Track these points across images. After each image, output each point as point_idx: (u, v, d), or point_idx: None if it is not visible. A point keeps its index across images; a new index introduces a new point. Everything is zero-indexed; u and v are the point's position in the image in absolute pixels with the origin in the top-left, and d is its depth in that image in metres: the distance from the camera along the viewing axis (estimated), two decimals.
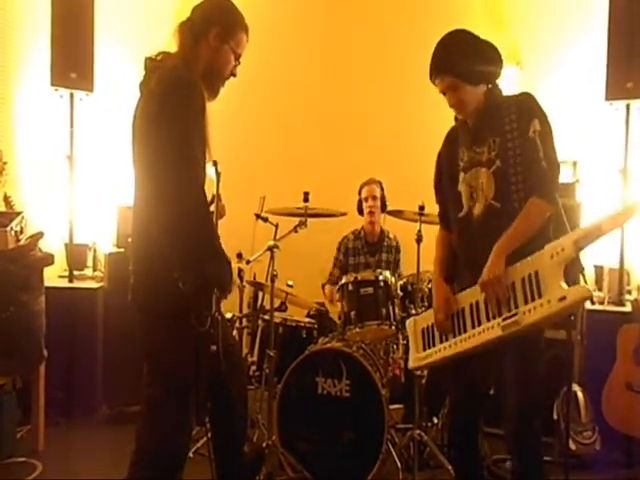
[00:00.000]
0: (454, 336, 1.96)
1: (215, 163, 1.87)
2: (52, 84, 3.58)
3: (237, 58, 1.90)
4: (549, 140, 1.87)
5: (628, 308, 3.14)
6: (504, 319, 1.81)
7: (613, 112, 3.34)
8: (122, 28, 4.00)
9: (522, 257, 1.83)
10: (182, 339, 1.73)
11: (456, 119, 2.08)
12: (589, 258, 3.34)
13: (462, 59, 1.94)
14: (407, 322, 2.21)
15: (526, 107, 1.91)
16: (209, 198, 1.83)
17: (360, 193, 3.56)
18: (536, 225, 1.88)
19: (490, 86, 1.99)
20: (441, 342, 2.00)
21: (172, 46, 1.85)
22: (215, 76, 1.87)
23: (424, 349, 2.06)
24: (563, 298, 1.70)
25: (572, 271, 1.94)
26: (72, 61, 3.57)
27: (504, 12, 4.11)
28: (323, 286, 3.63)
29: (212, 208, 1.90)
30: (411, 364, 2.14)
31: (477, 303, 1.91)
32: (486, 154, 1.95)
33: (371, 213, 3.50)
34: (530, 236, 1.87)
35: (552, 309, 1.72)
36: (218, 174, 1.94)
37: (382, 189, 3.52)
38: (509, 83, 4.41)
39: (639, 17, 3.22)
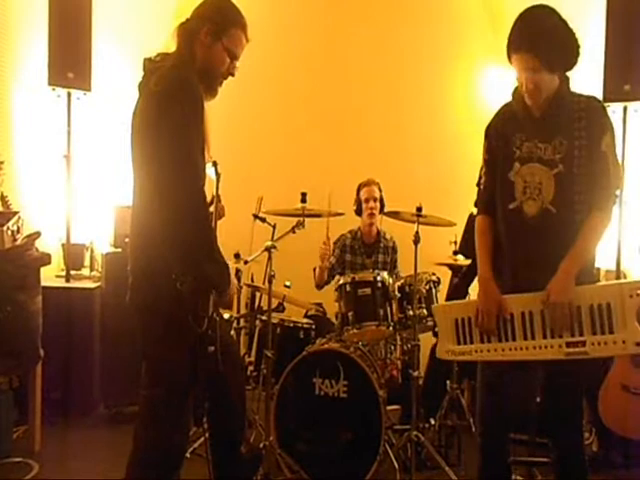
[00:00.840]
0: (499, 341, 1.87)
1: (215, 164, 1.87)
2: (49, 83, 3.57)
3: (233, 57, 1.87)
4: (615, 154, 1.86)
5: None
6: (568, 344, 1.76)
7: (610, 114, 3.34)
8: (120, 27, 3.99)
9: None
10: (180, 340, 1.73)
11: (515, 99, 1.95)
12: None
13: (552, 43, 1.81)
14: (435, 306, 2.10)
15: (598, 117, 1.86)
16: (209, 199, 1.82)
17: (358, 194, 3.54)
18: (599, 241, 1.85)
19: (562, 78, 1.89)
20: (482, 342, 1.91)
21: (171, 47, 1.85)
22: (211, 75, 1.85)
23: (459, 343, 1.96)
24: None
25: (594, 269, 1.93)
26: (69, 60, 3.56)
27: (502, 13, 4.11)
28: (314, 269, 3.59)
29: (212, 209, 1.90)
30: (442, 355, 2.01)
31: (531, 314, 1.84)
32: (549, 153, 1.86)
33: (371, 215, 3.47)
34: (594, 253, 1.86)
35: (626, 350, 1.71)
36: (218, 175, 1.93)
37: (380, 190, 3.51)
38: (507, 85, 4.44)
39: (636, 20, 3.23)
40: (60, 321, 3.34)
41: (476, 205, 2.10)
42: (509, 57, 1.88)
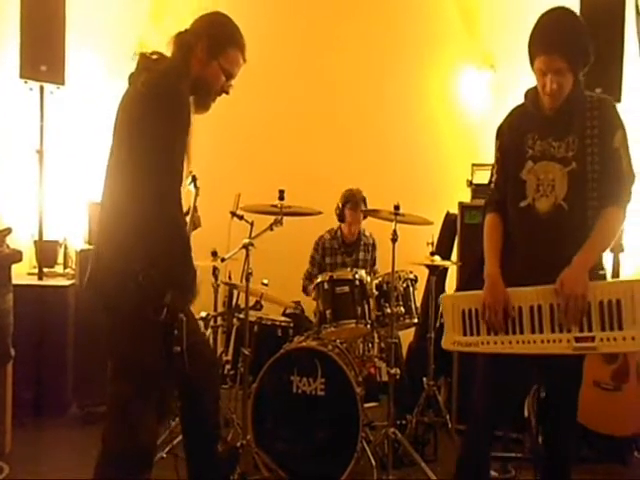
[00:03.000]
0: (506, 333, 1.87)
1: (194, 178, 1.88)
2: (21, 76, 3.49)
3: (228, 76, 1.87)
4: (628, 151, 1.88)
5: None
6: (577, 339, 1.77)
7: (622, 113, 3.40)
8: (94, 20, 3.92)
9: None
10: (143, 334, 1.72)
11: (526, 97, 1.98)
12: None
13: (579, 46, 1.84)
14: (442, 297, 2.08)
15: (610, 116, 1.88)
16: (185, 209, 1.82)
17: (343, 207, 3.54)
18: (615, 236, 1.87)
19: (576, 78, 1.90)
20: (489, 334, 1.90)
21: (146, 44, 1.83)
22: (204, 90, 1.85)
23: (465, 334, 1.95)
24: None
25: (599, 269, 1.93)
26: (42, 53, 3.49)
27: (477, 16, 4.16)
28: (304, 287, 3.62)
29: (187, 219, 1.91)
30: (448, 346, 2.00)
31: (540, 308, 1.84)
32: (563, 151, 1.88)
33: (353, 227, 3.58)
34: (608, 248, 1.87)
35: (635, 347, 1.72)
36: (197, 188, 1.96)
37: (365, 202, 3.52)
38: (482, 86, 4.50)
39: (609, 23, 3.29)
40: (32, 320, 3.28)
41: (487, 204, 2.10)
42: (532, 58, 1.89)
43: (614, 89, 3.27)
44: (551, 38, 1.85)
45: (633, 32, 3.42)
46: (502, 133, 2.03)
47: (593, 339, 1.76)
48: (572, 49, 1.83)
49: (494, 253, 1.97)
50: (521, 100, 2.03)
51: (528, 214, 1.92)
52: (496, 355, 1.92)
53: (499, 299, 1.89)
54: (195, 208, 2.02)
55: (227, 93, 1.90)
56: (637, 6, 3.44)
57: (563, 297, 1.79)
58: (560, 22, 1.87)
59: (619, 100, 3.27)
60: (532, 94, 1.97)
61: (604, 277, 1.95)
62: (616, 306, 1.75)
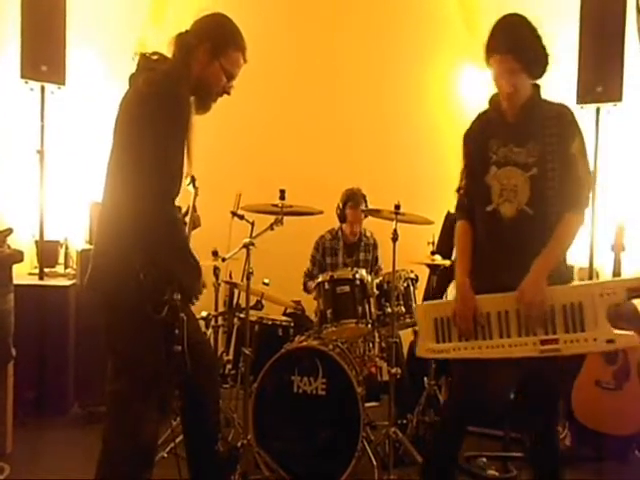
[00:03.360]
0: (476, 339, 1.94)
1: (193, 178, 1.90)
2: (22, 76, 3.49)
3: (229, 77, 1.89)
4: (586, 158, 1.92)
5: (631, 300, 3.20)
6: (542, 342, 1.82)
7: (583, 115, 3.41)
8: (95, 20, 3.91)
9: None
10: (142, 331, 1.72)
11: (492, 105, 2.03)
12: None
13: (531, 46, 1.90)
14: (415, 306, 2.18)
15: (568, 122, 1.93)
16: (184, 209, 1.83)
17: (344, 206, 3.54)
18: (572, 242, 1.91)
19: (533, 84, 1.97)
20: (460, 340, 1.98)
21: (146, 44, 1.83)
22: (205, 91, 1.86)
23: (438, 341, 2.02)
24: (611, 341, 1.75)
25: (567, 269, 1.98)
26: (43, 53, 3.49)
27: (478, 14, 4.15)
28: (305, 284, 3.62)
29: (187, 219, 1.92)
30: (422, 353, 2.08)
31: (507, 313, 1.90)
32: (524, 157, 1.93)
33: (355, 226, 3.56)
34: (566, 253, 1.91)
35: (597, 348, 1.78)
36: (195, 189, 1.97)
37: (365, 200, 3.52)
38: (483, 85, 4.49)
39: (609, 23, 3.29)
40: (33, 320, 3.29)
41: (456, 210, 2.15)
42: (487, 60, 1.94)
43: (614, 88, 3.27)
44: (503, 39, 1.91)
45: (634, 31, 3.42)
46: (468, 139, 2.09)
47: (557, 341, 1.82)
48: (526, 51, 1.89)
49: (463, 262, 2.05)
50: None
51: (494, 218, 1.98)
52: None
53: (468, 307, 1.96)
54: (194, 208, 2.03)
55: (228, 94, 1.92)
56: (637, 5, 3.44)
57: (524, 305, 1.85)
58: (513, 25, 1.94)
59: (620, 99, 3.28)
60: (495, 100, 2.02)
61: (570, 278, 2.00)
62: (578, 308, 1.81)
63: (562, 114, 1.94)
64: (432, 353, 2.05)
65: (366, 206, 3.50)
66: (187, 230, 2.10)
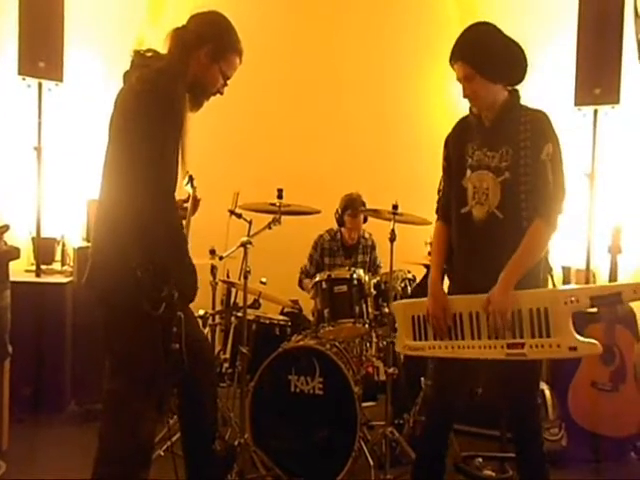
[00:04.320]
0: (450, 339, 1.98)
1: (191, 178, 1.91)
2: (19, 73, 3.47)
3: (226, 79, 1.91)
4: (559, 164, 1.92)
5: (594, 308, 3.22)
6: (509, 346, 1.85)
7: (581, 117, 3.42)
8: (93, 17, 3.90)
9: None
10: (140, 328, 1.72)
11: (471, 111, 2.06)
12: (557, 259, 3.42)
13: (483, 51, 1.93)
14: (394, 304, 2.21)
15: (541, 128, 1.92)
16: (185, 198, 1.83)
17: (343, 212, 3.51)
18: (542, 250, 1.92)
19: (510, 89, 1.99)
20: (435, 339, 2.02)
21: (144, 41, 1.83)
22: (200, 91, 1.88)
23: (414, 339, 2.08)
24: (574, 348, 1.77)
25: (541, 272, 1.99)
26: (40, 49, 3.47)
27: (476, 16, 4.15)
28: (300, 281, 3.62)
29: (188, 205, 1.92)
30: (399, 349, 2.17)
31: (477, 315, 1.93)
32: (497, 161, 1.96)
33: (353, 232, 3.56)
34: (536, 261, 1.92)
35: (560, 354, 1.80)
36: (194, 188, 1.98)
37: (364, 206, 3.50)
38: None
39: (607, 25, 3.29)
40: (30, 317, 3.28)
41: (435, 211, 2.21)
42: (452, 67, 1.99)
43: (612, 91, 3.28)
44: (458, 46, 1.96)
45: (631, 33, 3.43)
46: (448, 142, 2.13)
47: (523, 345, 1.84)
48: (477, 57, 1.92)
49: (437, 262, 2.11)
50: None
51: (468, 220, 2.01)
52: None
53: (439, 305, 2.00)
54: (193, 207, 2.05)
55: (221, 94, 1.94)
56: (636, 8, 3.44)
57: (491, 314, 1.88)
58: (470, 33, 1.97)
59: (617, 101, 3.29)
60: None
61: (541, 281, 2.00)
62: (544, 314, 1.82)
63: (536, 119, 1.94)
64: (409, 350, 2.10)
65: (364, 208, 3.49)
66: (187, 215, 2.11)
